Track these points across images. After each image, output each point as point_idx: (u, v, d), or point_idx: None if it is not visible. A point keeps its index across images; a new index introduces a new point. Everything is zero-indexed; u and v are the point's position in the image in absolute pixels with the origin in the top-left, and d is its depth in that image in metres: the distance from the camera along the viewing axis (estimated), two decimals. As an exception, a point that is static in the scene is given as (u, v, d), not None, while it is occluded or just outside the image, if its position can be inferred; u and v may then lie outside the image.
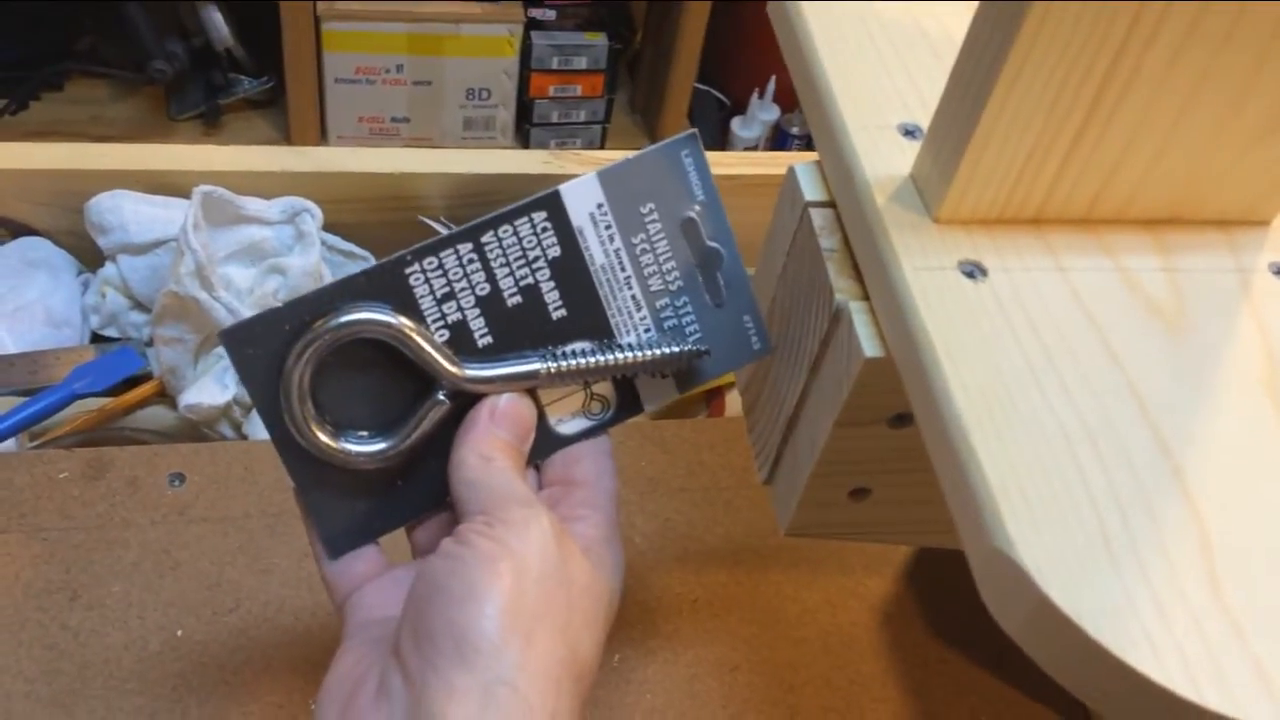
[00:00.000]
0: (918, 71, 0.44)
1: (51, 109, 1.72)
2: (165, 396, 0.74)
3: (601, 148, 1.83)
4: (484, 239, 0.42)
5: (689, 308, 0.45)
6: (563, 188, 0.43)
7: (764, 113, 1.88)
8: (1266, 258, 0.40)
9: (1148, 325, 0.37)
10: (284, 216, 0.75)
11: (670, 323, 0.45)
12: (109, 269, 0.76)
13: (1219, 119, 0.36)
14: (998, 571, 0.31)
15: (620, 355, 0.44)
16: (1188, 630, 0.29)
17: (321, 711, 0.40)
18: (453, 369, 0.42)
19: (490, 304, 0.43)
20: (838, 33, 0.45)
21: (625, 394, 0.46)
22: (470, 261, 0.42)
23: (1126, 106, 0.35)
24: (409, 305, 0.42)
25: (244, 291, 0.73)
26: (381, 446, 0.43)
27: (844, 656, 0.65)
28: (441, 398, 0.43)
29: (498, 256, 0.43)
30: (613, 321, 0.44)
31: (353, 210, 0.78)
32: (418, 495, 0.45)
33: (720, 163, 0.81)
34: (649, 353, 0.44)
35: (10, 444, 0.68)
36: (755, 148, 1.89)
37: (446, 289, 0.42)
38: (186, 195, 0.71)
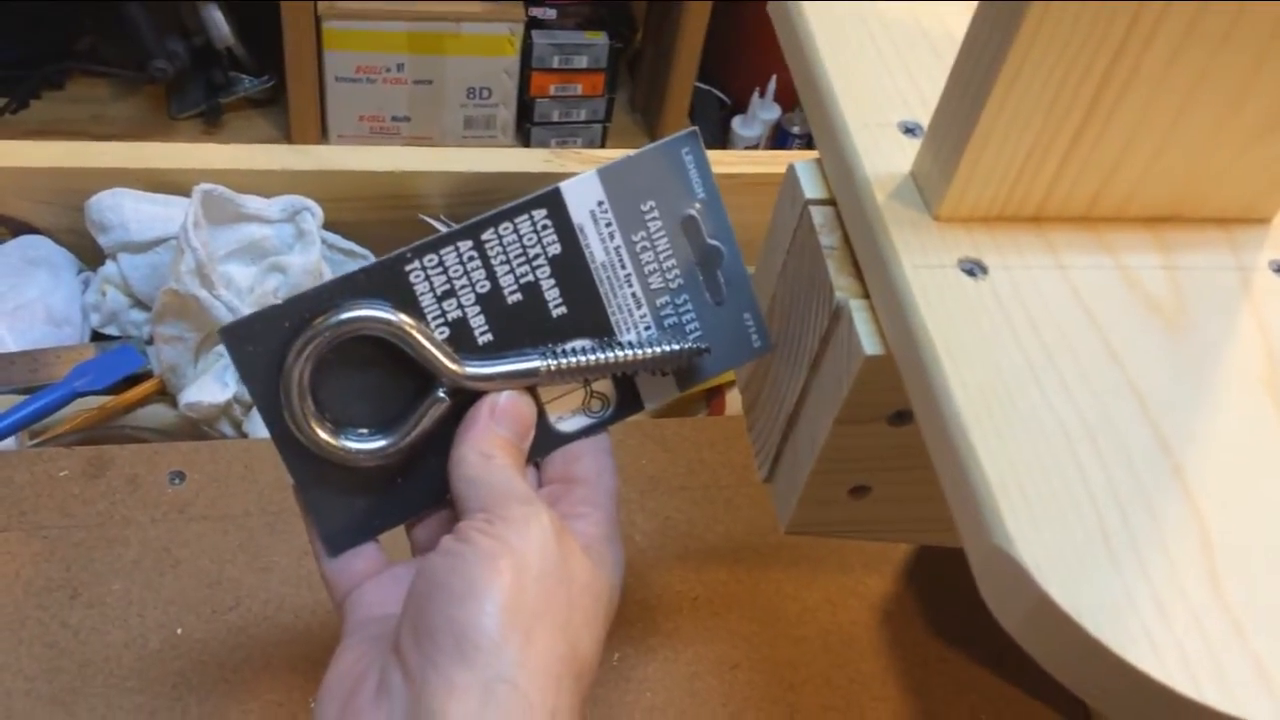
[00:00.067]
0: (918, 70, 0.44)
1: (52, 108, 1.72)
2: (165, 395, 0.74)
3: (602, 147, 1.83)
4: (484, 236, 0.42)
5: (689, 305, 0.45)
6: (563, 185, 0.43)
7: (765, 112, 1.88)
8: (1267, 255, 0.40)
9: (1148, 323, 0.37)
10: (284, 215, 0.75)
11: (670, 320, 0.45)
12: (109, 267, 0.76)
13: (1218, 118, 0.36)
14: (997, 569, 0.31)
15: (620, 353, 0.44)
16: (1187, 628, 0.29)
17: (321, 709, 0.40)
18: (453, 366, 0.42)
19: (490, 301, 0.43)
20: (838, 31, 0.45)
21: (625, 392, 0.46)
22: (470, 259, 0.42)
23: (1126, 105, 0.35)
24: (409, 302, 0.42)
25: (244, 290, 0.73)
26: (381, 444, 0.43)
27: (844, 655, 0.65)
28: (441, 395, 0.43)
29: (498, 254, 0.43)
30: (613, 319, 0.44)
31: (353, 209, 0.78)
32: (417, 493, 0.45)
33: (721, 161, 0.81)
34: (649, 350, 0.44)
35: (10, 442, 0.68)
36: (756, 147, 1.89)
37: (447, 286, 0.42)
38: (187, 193, 0.71)
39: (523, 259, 0.43)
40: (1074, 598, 0.29)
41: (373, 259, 0.79)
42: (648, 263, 0.44)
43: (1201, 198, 0.39)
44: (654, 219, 0.44)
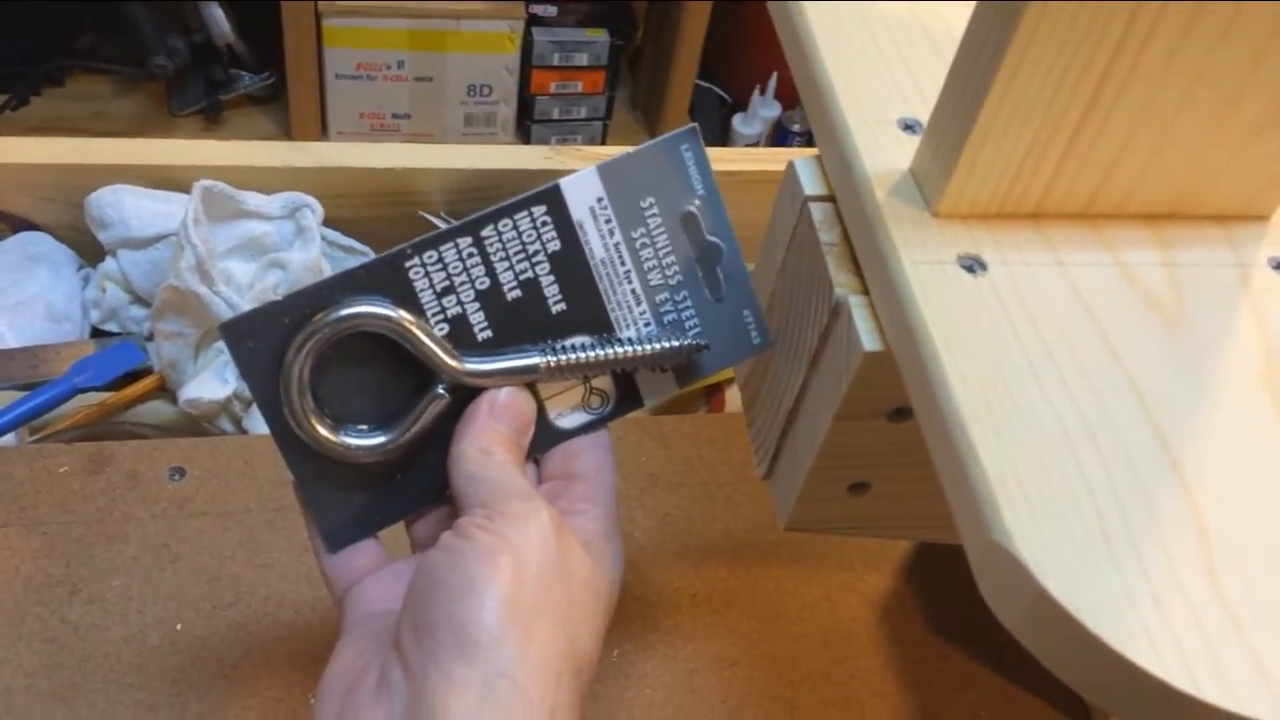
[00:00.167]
0: (918, 67, 0.44)
1: (53, 105, 1.72)
2: (165, 391, 0.74)
3: (603, 144, 1.83)
4: (484, 233, 0.42)
5: (688, 302, 0.45)
6: (563, 182, 0.43)
7: (765, 109, 1.87)
8: (1265, 252, 0.40)
9: (1147, 320, 0.37)
10: (284, 211, 0.75)
11: (670, 317, 0.45)
12: (109, 264, 0.76)
13: (1217, 115, 0.36)
14: (996, 565, 0.31)
15: (620, 349, 0.44)
16: (1185, 623, 0.29)
17: (322, 705, 0.41)
18: (452, 363, 0.42)
19: (490, 298, 0.43)
20: (838, 29, 0.45)
21: (625, 388, 0.46)
22: (470, 255, 0.42)
23: (1124, 103, 0.35)
24: (409, 299, 0.42)
25: (244, 286, 0.73)
26: (381, 440, 0.43)
27: (843, 652, 0.65)
28: (441, 391, 0.43)
29: (497, 250, 0.43)
30: (612, 316, 0.44)
31: (353, 205, 0.78)
32: (417, 489, 0.45)
33: (721, 158, 0.81)
34: (648, 347, 0.44)
35: (10, 438, 0.68)
36: (757, 144, 1.89)
37: (446, 283, 0.42)
38: (187, 190, 0.71)
39: (522, 255, 0.43)
40: (1072, 594, 0.29)
41: (373, 256, 0.79)
42: (647, 259, 0.44)
43: (1200, 195, 0.39)
44: (653, 215, 0.44)
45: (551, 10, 1.73)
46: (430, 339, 0.42)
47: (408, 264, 0.42)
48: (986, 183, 0.38)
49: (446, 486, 0.43)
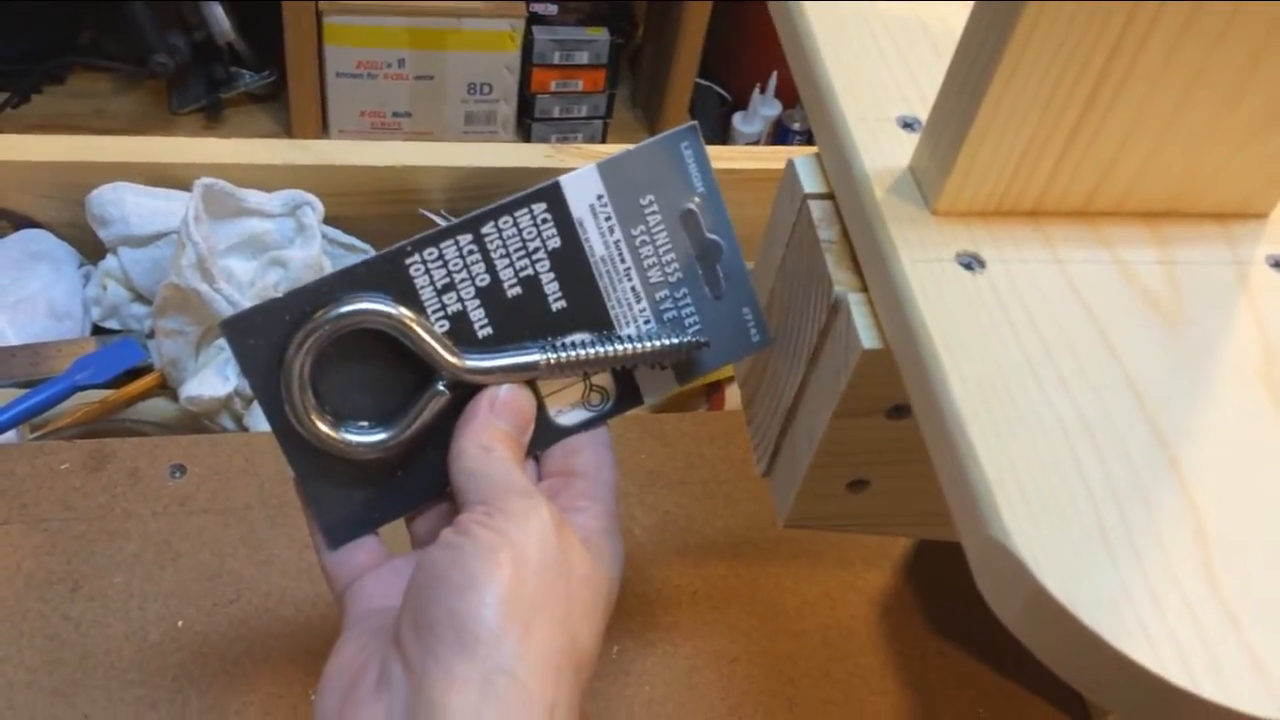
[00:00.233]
0: (917, 66, 0.44)
1: (54, 103, 1.72)
2: (166, 388, 0.74)
3: (603, 143, 1.83)
4: (484, 230, 0.42)
5: (688, 299, 0.45)
6: (563, 179, 0.43)
7: (766, 108, 1.87)
8: (1263, 250, 0.40)
9: (1145, 317, 0.37)
10: (285, 209, 0.75)
11: (670, 314, 0.45)
12: (110, 261, 0.76)
13: (1215, 114, 0.36)
14: (994, 562, 0.31)
15: (620, 346, 0.44)
16: (1183, 620, 0.29)
17: (322, 701, 0.41)
18: (453, 359, 0.43)
19: (490, 295, 0.43)
20: (838, 28, 0.45)
21: (625, 385, 0.46)
22: (470, 252, 0.42)
23: (1122, 102, 0.36)
24: (409, 296, 0.42)
25: (245, 284, 0.73)
26: (382, 437, 0.43)
27: (843, 649, 0.65)
28: (441, 388, 0.43)
29: (498, 247, 0.43)
30: (612, 313, 0.45)
31: (354, 203, 0.78)
32: (417, 485, 0.45)
33: (721, 157, 0.81)
34: (648, 344, 0.44)
35: (12, 435, 0.68)
36: (757, 143, 1.89)
37: (447, 280, 0.42)
38: (187, 188, 0.71)
39: (522, 253, 0.43)
40: (1070, 591, 0.29)
41: (373, 253, 0.79)
42: (647, 257, 0.44)
43: (1198, 193, 0.40)
44: (653, 213, 0.44)
45: (552, 9, 1.73)
46: (431, 336, 0.42)
47: (408, 261, 0.42)
48: (985, 181, 0.38)
49: (447, 483, 0.43)
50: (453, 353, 0.43)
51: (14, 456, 0.65)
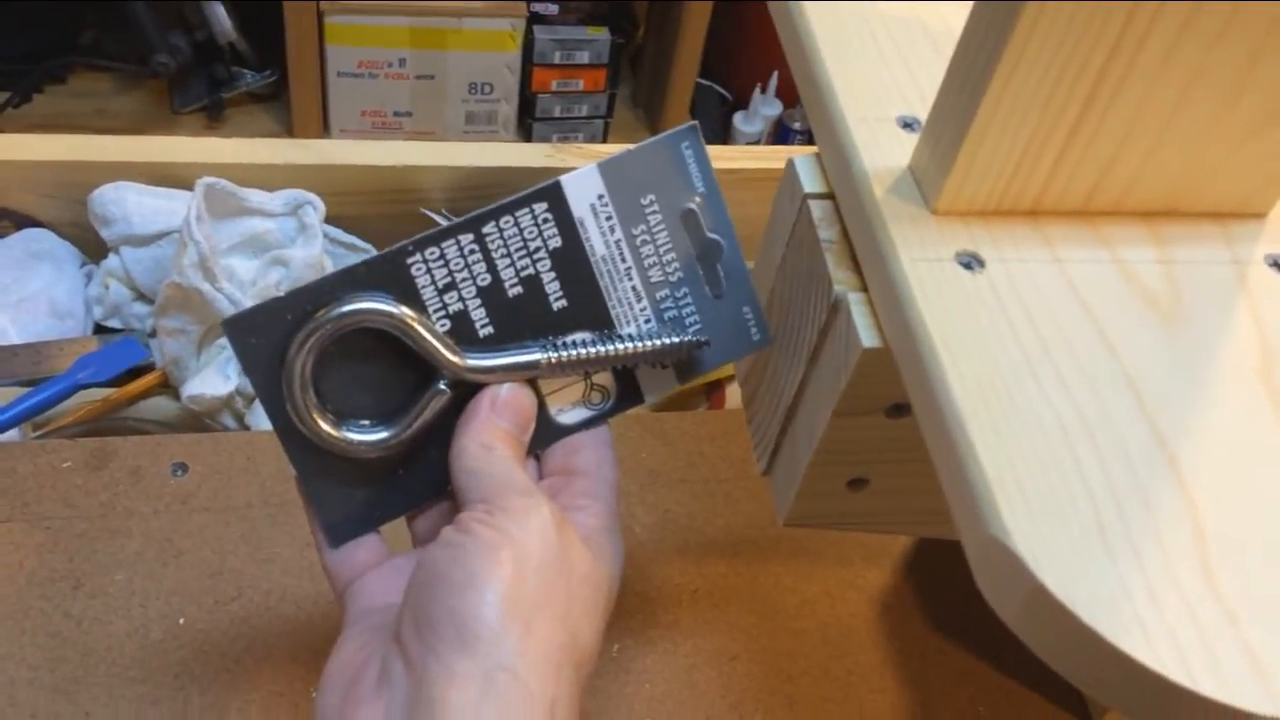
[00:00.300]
0: (917, 66, 0.44)
1: (55, 102, 1.72)
2: (168, 387, 0.74)
3: (604, 142, 1.83)
4: (485, 229, 0.43)
5: (689, 299, 0.45)
6: (563, 178, 0.43)
7: (766, 108, 1.87)
8: (1262, 250, 0.40)
9: (1144, 316, 0.37)
10: (287, 209, 0.75)
11: (670, 314, 0.45)
12: (112, 260, 0.76)
13: (1214, 114, 0.37)
14: (994, 560, 0.31)
15: (620, 345, 0.44)
16: (1181, 617, 0.29)
17: (323, 698, 0.41)
18: (454, 359, 0.43)
19: (491, 294, 0.43)
20: (839, 28, 0.45)
21: (625, 384, 0.46)
22: (471, 252, 0.43)
23: (1121, 102, 0.36)
24: (411, 295, 0.42)
25: (247, 283, 0.73)
26: (383, 435, 0.43)
27: (842, 647, 0.65)
28: (443, 387, 0.43)
29: (499, 247, 0.43)
30: (613, 312, 0.45)
31: (355, 203, 0.79)
32: (419, 484, 0.45)
33: (722, 156, 0.81)
34: (649, 343, 0.44)
35: (14, 434, 0.69)
36: (758, 143, 1.89)
37: (448, 279, 0.43)
38: (189, 187, 0.71)
39: (523, 252, 0.43)
40: (1069, 588, 0.29)
41: (374, 253, 0.79)
42: (648, 256, 0.44)
43: (1197, 192, 0.40)
44: (654, 213, 0.44)
45: (553, 8, 1.73)
46: (432, 335, 0.42)
47: (409, 260, 0.42)
48: (984, 180, 0.38)
49: (448, 482, 0.43)
50: (454, 352, 0.43)
51: (16, 455, 0.65)
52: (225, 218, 0.73)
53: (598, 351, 0.44)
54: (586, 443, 0.46)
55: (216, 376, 0.71)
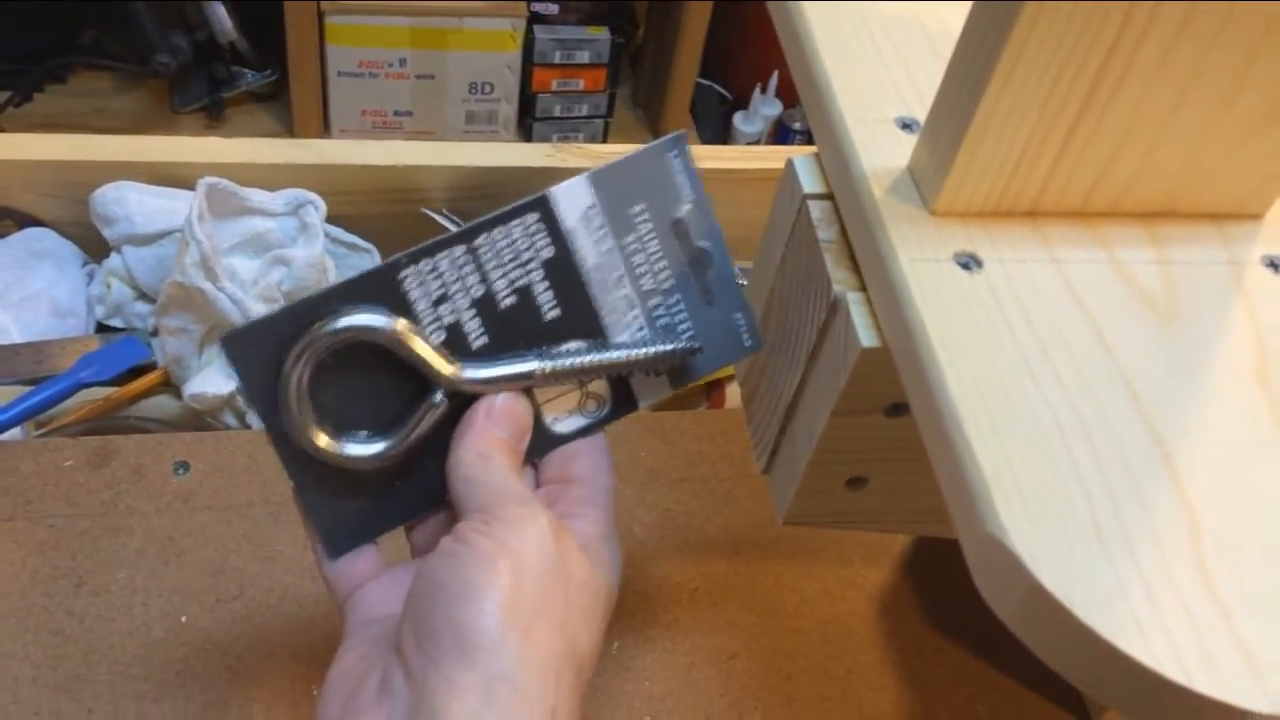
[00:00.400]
0: (916, 66, 0.44)
1: (56, 102, 1.72)
2: (170, 386, 0.75)
3: (604, 142, 1.83)
4: (477, 241, 0.43)
5: (681, 306, 0.45)
6: (553, 190, 0.43)
7: (766, 108, 1.87)
8: (1258, 250, 0.40)
9: (1141, 317, 0.37)
10: (288, 208, 0.75)
11: (663, 321, 0.45)
12: (114, 260, 0.76)
13: (1211, 114, 0.37)
14: (991, 558, 0.31)
15: (614, 354, 0.44)
16: (1177, 616, 0.29)
17: (324, 708, 0.41)
18: (449, 370, 0.43)
19: (485, 305, 0.43)
20: (838, 28, 0.45)
21: (620, 392, 0.46)
22: (464, 264, 0.43)
23: (1119, 102, 0.36)
24: (405, 308, 0.42)
25: (248, 282, 0.73)
26: (380, 447, 0.43)
27: (842, 646, 0.65)
28: (439, 399, 0.43)
29: (491, 259, 0.43)
30: (606, 321, 0.45)
31: (356, 202, 0.79)
32: (416, 495, 0.45)
33: (721, 156, 0.81)
34: (642, 351, 0.44)
35: (16, 432, 0.69)
36: (758, 143, 1.89)
37: (441, 291, 0.43)
38: (191, 187, 0.72)
39: (516, 263, 0.43)
40: (1066, 586, 0.30)
41: (375, 252, 0.80)
42: (639, 265, 0.44)
43: (1195, 193, 0.40)
44: (644, 222, 0.44)
45: (553, 8, 1.73)
46: (427, 347, 0.42)
47: (403, 274, 0.42)
48: (983, 181, 0.38)
49: (445, 492, 0.43)
50: (449, 363, 0.43)
51: (18, 454, 0.66)
52: (227, 217, 0.74)
53: (592, 360, 0.44)
54: (583, 450, 0.46)
55: (218, 375, 0.71)
